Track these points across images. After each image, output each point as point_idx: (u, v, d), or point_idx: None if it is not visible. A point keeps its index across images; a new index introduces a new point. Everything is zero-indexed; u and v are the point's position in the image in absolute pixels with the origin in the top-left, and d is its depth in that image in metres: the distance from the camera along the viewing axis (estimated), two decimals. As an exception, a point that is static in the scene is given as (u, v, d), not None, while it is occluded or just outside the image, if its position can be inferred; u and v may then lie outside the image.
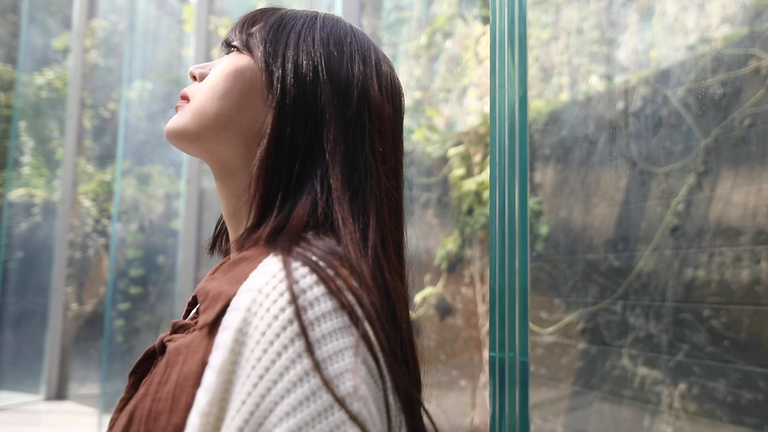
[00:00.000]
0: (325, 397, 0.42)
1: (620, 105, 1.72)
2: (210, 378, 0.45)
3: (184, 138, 0.59)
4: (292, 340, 0.43)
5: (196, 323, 0.53)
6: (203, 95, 0.59)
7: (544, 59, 2.12)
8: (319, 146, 0.56)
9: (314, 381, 0.42)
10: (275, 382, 0.42)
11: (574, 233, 1.86)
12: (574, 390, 1.77)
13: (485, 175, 2.21)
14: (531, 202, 2.02)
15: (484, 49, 2.30)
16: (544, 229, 1.93)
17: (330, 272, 0.47)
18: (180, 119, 0.59)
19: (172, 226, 4.19)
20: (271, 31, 0.60)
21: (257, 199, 0.56)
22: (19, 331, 5.41)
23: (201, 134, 0.58)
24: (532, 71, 2.13)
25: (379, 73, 0.61)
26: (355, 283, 0.48)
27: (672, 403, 1.48)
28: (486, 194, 2.20)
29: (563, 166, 1.92)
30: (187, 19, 4.23)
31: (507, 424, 0.57)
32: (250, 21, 0.63)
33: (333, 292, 0.46)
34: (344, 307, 0.46)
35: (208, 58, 3.95)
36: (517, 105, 0.61)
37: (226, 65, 0.60)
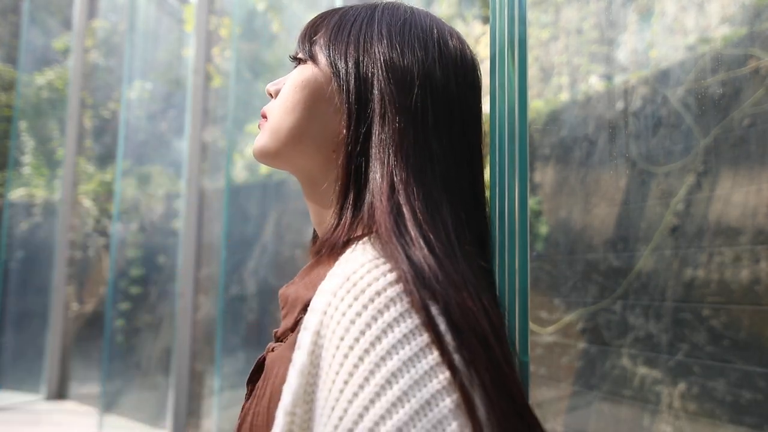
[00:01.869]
0: (419, 395, 0.41)
1: (620, 105, 1.73)
2: (292, 377, 0.47)
3: (267, 156, 0.62)
4: (372, 344, 0.43)
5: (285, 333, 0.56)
6: (276, 112, 0.61)
7: (544, 59, 2.13)
8: (386, 146, 0.55)
9: (403, 381, 0.42)
10: (362, 387, 0.42)
11: (573, 233, 1.86)
12: (573, 390, 1.77)
13: (485, 175, 2.21)
14: (531, 202, 2.02)
15: (484, 49, 2.30)
16: (544, 229, 1.93)
17: (406, 272, 0.46)
18: (261, 139, 0.62)
19: (172, 226, 4.19)
20: (332, 35, 0.60)
21: (336, 207, 0.57)
22: (19, 330, 5.42)
23: (280, 150, 0.61)
24: (532, 71, 2.13)
25: (442, 54, 0.59)
26: (433, 284, 0.46)
27: (672, 403, 1.48)
28: (486, 194, 2.20)
29: (563, 166, 1.92)
30: (187, 19, 4.23)
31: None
32: (312, 29, 0.63)
33: (408, 291, 0.46)
34: (419, 306, 0.45)
35: (208, 58, 3.95)
36: (517, 105, 0.61)
37: (293, 79, 0.62)
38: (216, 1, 4.06)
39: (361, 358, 0.43)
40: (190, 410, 3.61)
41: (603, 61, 1.91)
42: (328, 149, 0.60)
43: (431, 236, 0.50)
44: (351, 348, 0.44)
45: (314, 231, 0.68)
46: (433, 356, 0.43)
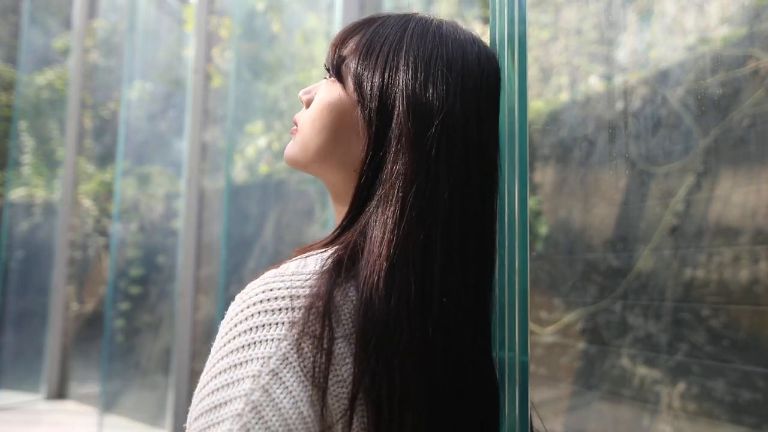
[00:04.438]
0: (219, 396, 0.49)
1: (619, 105, 1.73)
2: None
3: (296, 166, 0.67)
4: (224, 344, 0.51)
5: None
6: (306, 128, 0.65)
7: (544, 59, 2.13)
8: (392, 184, 0.56)
9: (217, 380, 0.50)
10: (205, 374, 0.51)
11: (573, 233, 1.86)
12: (573, 390, 1.78)
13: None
14: (531, 202, 2.02)
15: (484, 50, 2.30)
16: (544, 229, 1.93)
17: (283, 289, 0.52)
18: (292, 149, 0.66)
19: (172, 226, 4.19)
20: (360, 58, 0.61)
21: (340, 223, 0.62)
22: (19, 330, 5.42)
23: (307, 164, 0.65)
24: (532, 71, 2.13)
25: (465, 86, 0.59)
26: (301, 302, 0.52)
27: (671, 403, 1.48)
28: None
29: (563, 166, 1.93)
30: (187, 19, 4.23)
31: (507, 424, 0.58)
32: (342, 43, 0.64)
33: (272, 310, 0.51)
34: (276, 323, 0.51)
35: (208, 58, 3.95)
36: (516, 105, 0.61)
37: (321, 98, 0.64)
38: (216, 1, 4.06)
39: (215, 353, 0.52)
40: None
41: (603, 61, 1.91)
42: (350, 168, 0.62)
43: (393, 290, 0.52)
44: (216, 343, 0.52)
45: None
46: (251, 368, 0.49)
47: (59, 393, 5.06)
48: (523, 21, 0.63)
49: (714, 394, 1.38)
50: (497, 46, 0.66)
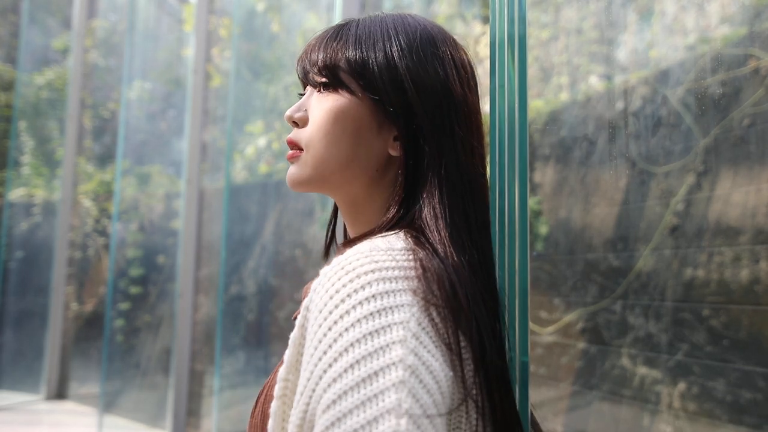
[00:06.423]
0: (369, 366, 0.45)
1: (620, 105, 1.73)
2: (287, 352, 0.52)
3: (308, 185, 0.64)
4: (341, 316, 0.48)
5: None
6: (319, 144, 0.63)
7: (544, 59, 2.12)
8: (433, 166, 0.61)
9: (358, 351, 0.46)
10: (325, 353, 0.47)
11: (573, 233, 1.86)
12: (573, 390, 1.77)
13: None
14: (531, 202, 2.02)
15: (484, 49, 2.30)
16: (544, 229, 1.93)
17: (388, 260, 0.51)
18: (303, 171, 0.64)
19: (172, 226, 4.19)
20: (357, 62, 0.62)
21: (386, 213, 0.63)
22: (19, 330, 5.41)
23: (326, 179, 0.63)
24: (532, 71, 2.13)
25: (456, 65, 0.64)
26: (412, 272, 0.51)
27: (671, 403, 1.48)
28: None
29: (563, 166, 1.92)
30: (187, 19, 4.22)
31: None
32: (329, 54, 0.64)
33: (389, 278, 0.50)
34: (399, 291, 0.50)
35: (207, 58, 3.95)
36: (517, 105, 0.61)
37: (328, 109, 0.62)
38: (216, 1, 4.05)
39: (330, 328, 0.48)
40: (190, 410, 3.60)
41: (603, 61, 1.91)
42: (372, 170, 0.64)
43: (461, 255, 0.56)
44: (325, 319, 0.48)
45: (328, 231, 0.75)
46: (393, 335, 0.46)
47: (59, 393, 5.06)
48: (523, 20, 0.63)
49: (714, 394, 1.38)
50: (497, 46, 0.65)
